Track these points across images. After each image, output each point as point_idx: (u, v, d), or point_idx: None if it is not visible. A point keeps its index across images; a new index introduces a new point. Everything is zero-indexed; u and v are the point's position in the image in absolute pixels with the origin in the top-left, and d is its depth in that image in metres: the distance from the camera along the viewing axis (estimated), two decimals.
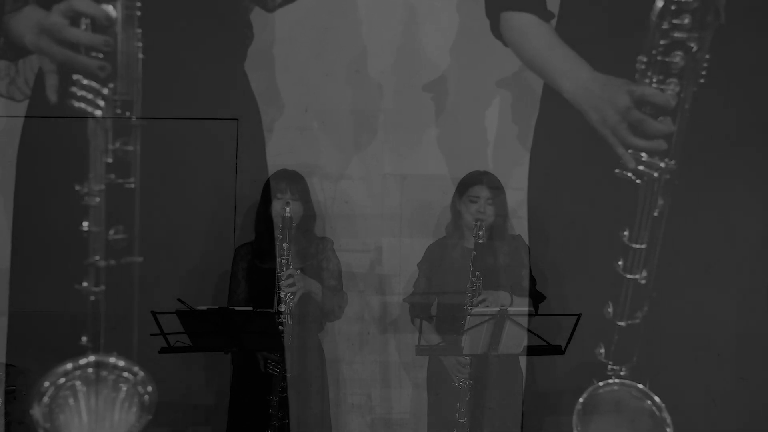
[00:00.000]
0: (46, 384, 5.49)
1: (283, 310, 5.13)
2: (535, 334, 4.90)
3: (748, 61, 5.85)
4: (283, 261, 5.17)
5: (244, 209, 5.76)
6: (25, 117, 5.85)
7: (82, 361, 5.56)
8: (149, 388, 5.54)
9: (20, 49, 5.82)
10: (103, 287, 5.72)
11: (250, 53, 5.88)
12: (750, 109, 5.88)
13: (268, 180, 5.44)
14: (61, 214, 5.77)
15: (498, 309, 4.84)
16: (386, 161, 5.91)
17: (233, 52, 5.89)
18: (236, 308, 4.95)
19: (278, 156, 5.83)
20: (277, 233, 5.22)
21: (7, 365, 5.62)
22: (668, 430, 5.43)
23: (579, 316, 4.89)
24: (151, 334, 4.89)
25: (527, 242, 5.51)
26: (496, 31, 5.86)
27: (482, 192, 5.32)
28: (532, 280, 5.37)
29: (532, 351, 4.99)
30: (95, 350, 5.65)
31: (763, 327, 5.82)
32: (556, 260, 5.82)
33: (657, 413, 5.46)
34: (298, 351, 5.26)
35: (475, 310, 4.95)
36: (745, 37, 5.84)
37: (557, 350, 4.96)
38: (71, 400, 5.45)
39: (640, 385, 5.52)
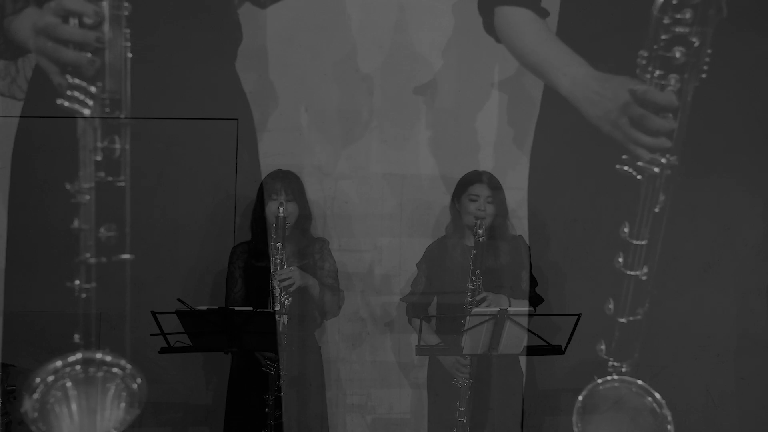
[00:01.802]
0: (37, 380, 5.45)
1: (277, 309, 5.10)
2: (535, 334, 4.90)
3: (750, 56, 5.85)
4: (277, 261, 5.17)
5: (244, 209, 5.72)
6: (20, 117, 5.80)
7: (71, 358, 5.52)
8: (138, 381, 5.51)
9: (19, 48, 5.76)
10: (94, 284, 5.67)
11: (240, 53, 5.84)
12: (752, 105, 5.88)
13: (263, 180, 5.42)
14: (54, 212, 5.73)
15: (498, 309, 4.83)
16: (385, 161, 5.89)
17: (233, 52, 5.84)
18: (236, 308, 4.94)
19: (275, 156, 5.80)
20: (272, 233, 5.19)
21: (7, 365, 5.58)
22: (669, 427, 5.41)
23: (579, 316, 4.88)
24: (151, 334, 4.90)
25: (527, 242, 5.48)
26: (489, 27, 5.81)
27: (482, 191, 5.30)
28: (533, 281, 5.35)
29: (532, 351, 4.99)
30: (87, 348, 5.61)
31: (763, 327, 5.83)
32: (557, 259, 5.81)
33: (658, 410, 5.44)
34: (295, 351, 5.24)
35: (476, 310, 4.93)
36: (747, 31, 5.82)
37: (557, 350, 4.96)
38: (61, 401, 5.42)
39: (640, 381, 5.50)
